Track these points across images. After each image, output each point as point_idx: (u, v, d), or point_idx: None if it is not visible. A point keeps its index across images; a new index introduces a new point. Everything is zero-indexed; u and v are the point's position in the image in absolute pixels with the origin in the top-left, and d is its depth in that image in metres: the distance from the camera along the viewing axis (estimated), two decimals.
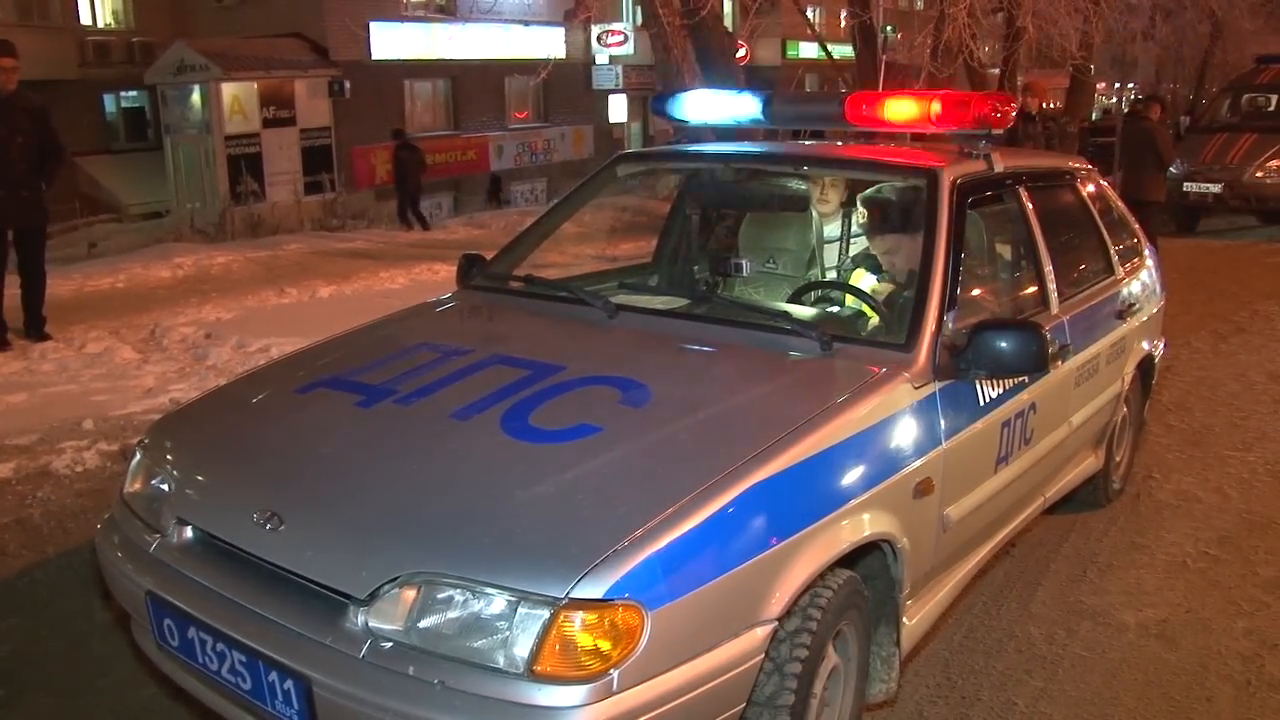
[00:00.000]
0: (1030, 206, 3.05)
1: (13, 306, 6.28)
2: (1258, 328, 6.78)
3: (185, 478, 2.18)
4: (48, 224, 6.52)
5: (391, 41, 18.54)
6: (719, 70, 9.15)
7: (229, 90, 16.59)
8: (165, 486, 2.18)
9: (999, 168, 2.90)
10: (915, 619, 2.40)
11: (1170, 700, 2.60)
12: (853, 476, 2.08)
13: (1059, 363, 2.86)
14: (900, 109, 2.81)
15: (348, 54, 17.82)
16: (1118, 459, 3.82)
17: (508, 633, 1.66)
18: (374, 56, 18.23)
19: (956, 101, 2.75)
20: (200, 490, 2.15)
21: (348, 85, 17.86)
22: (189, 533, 2.08)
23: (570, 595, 1.63)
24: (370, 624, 1.75)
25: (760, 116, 3.13)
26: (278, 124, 17.23)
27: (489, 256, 3.20)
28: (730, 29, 12.77)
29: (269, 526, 1.90)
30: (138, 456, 2.33)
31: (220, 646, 1.90)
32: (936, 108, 2.74)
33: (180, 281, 9.52)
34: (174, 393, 5.25)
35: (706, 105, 3.23)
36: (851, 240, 3.45)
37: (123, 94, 20.14)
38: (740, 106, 3.15)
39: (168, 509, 2.12)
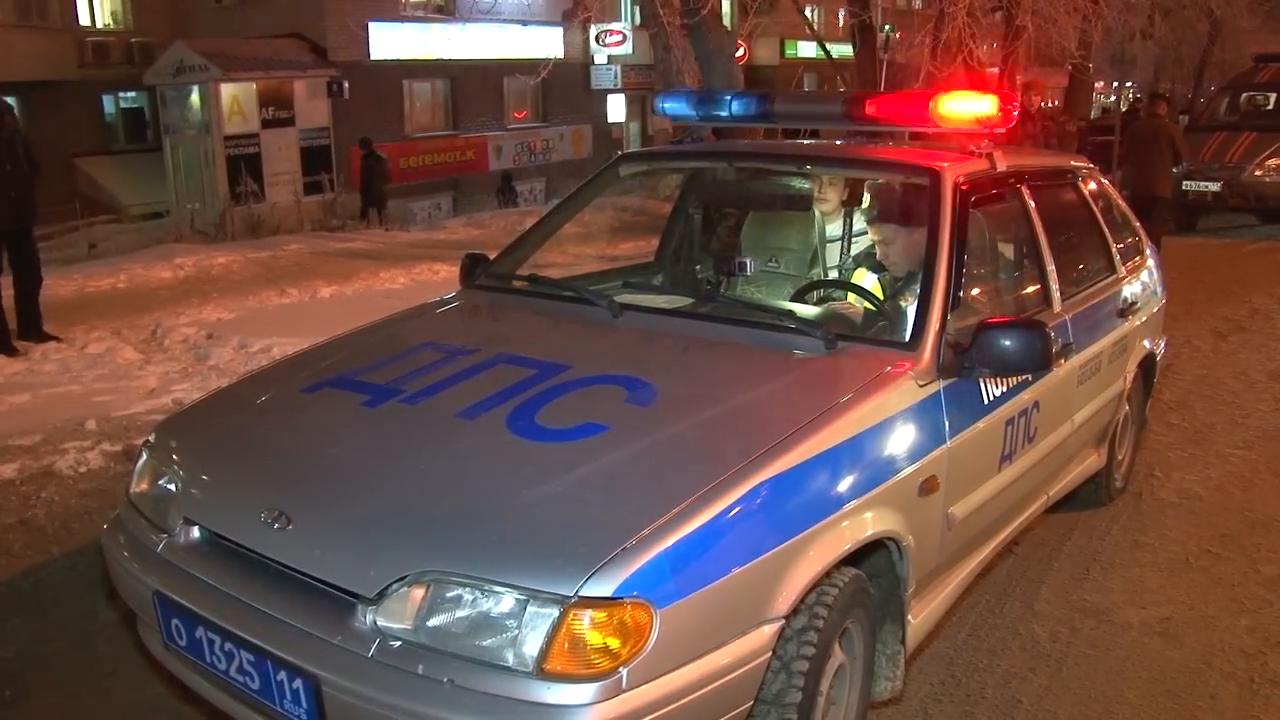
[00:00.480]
0: (1033, 205, 3.05)
1: (10, 309, 6.29)
2: (1258, 326, 6.79)
3: (192, 478, 2.18)
4: (35, 224, 6.51)
5: (390, 42, 18.53)
6: (718, 70, 9.16)
7: (228, 91, 16.59)
8: (172, 486, 2.19)
9: (1001, 166, 2.91)
10: (920, 617, 2.41)
11: (1174, 698, 2.61)
12: (858, 474, 2.08)
13: (1062, 361, 2.87)
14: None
15: (347, 54, 17.82)
16: (1120, 457, 3.82)
17: (517, 631, 1.66)
18: (373, 57, 18.23)
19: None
20: (207, 490, 2.15)
21: (347, 85, 17.85)
22: (196, 533, 2.09)
23: (579, 593, 1.63)
24: (379, 623, 1.75)
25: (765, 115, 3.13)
26: (277, 124, 17.23)
27: (492, 256, 3.20)
28: (729, 28, 12.77)
29: (276, 526, 1.91)
30: (144, 457, 2.33)
31: (228, 646, 1.90)
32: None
33: (181, 282, 9.52)
34: (176, 393, 5.25)
35: (708, 104, 3.23)
36: (853, 239, 3.46)
37: (122, 95, 20.14)
38: (747, 105, 3.15)
39: (175, 509, 2.13)
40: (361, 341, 2.79)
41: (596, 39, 22.07)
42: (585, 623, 1.64)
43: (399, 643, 1.73)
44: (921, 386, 2.30)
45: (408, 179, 19.05)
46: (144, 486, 2.27)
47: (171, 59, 16.73)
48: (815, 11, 22.46)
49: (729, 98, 3.18)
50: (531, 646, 1.65)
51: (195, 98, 16.85)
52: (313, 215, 16.42)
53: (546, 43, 18.88)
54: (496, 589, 1.69)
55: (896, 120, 2.92)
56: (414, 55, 18.94)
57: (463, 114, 20.54)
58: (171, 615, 2.01)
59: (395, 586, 1.74)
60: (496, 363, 2.39)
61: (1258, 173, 10.70)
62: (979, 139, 2.92)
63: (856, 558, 2.09)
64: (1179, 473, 4.14)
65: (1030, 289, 3.02)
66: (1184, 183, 10.74)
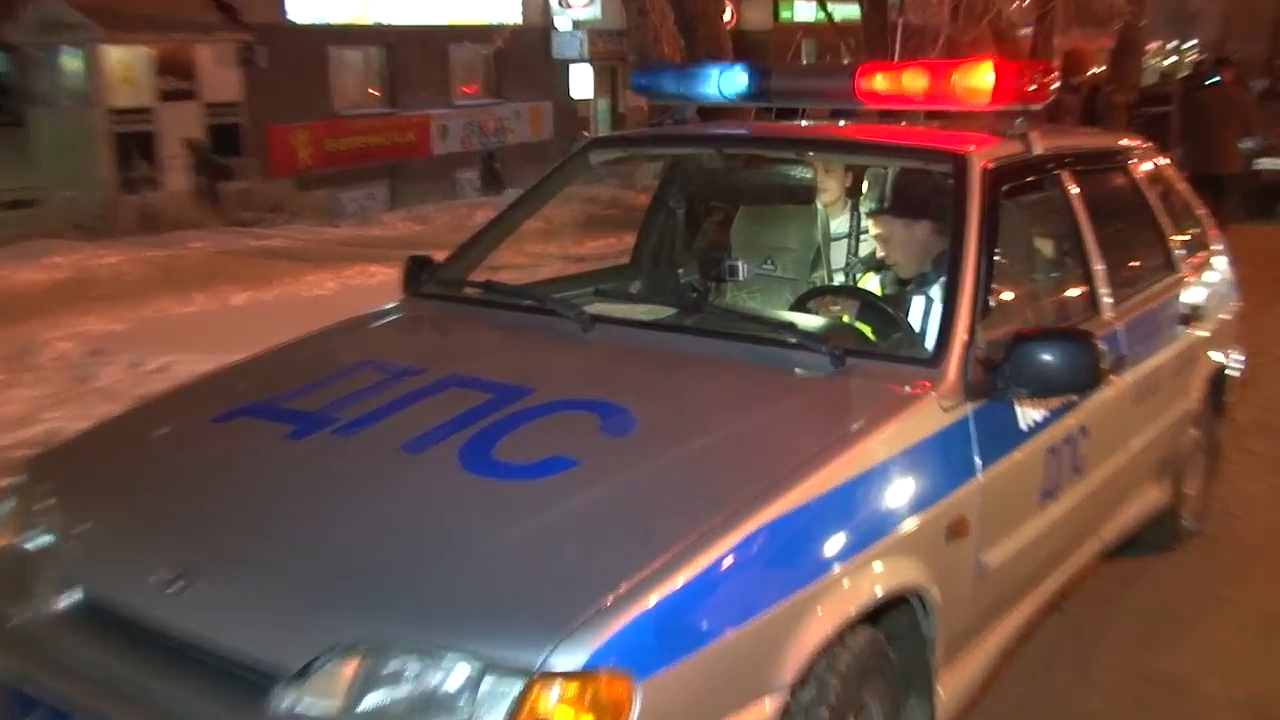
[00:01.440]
0: (1076, 194, 3.10)
1: None
2: None
3: (70, 528, 2.16)
4: None
5: (314, 1, 18.52)
6: (702, 36, 9.23)
7: (113, 55, 16.45)
8: (44, 539, 2.17)
9: (1038, 149, 2.95)
10: (951, 688, 2.42)
11: None
12: (873, 517, 2.10)
13: (1113, 378, 2.91)
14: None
15: (261, 15, 17.76)
16: (1189, 492, 3.84)
17: (470, 710, 1.66)
18: (291, 18, 18.19)
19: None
20: (90, 544, 2.14)
21: (263, 52, 17.80)
22: (71, 598, 2.05)
23: (545, 665, 1.64)
24: (299, 707, 1.73)
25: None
26: (176, 97, 17.13)
27: (440, 258, 3.21)
28: None
29: (175, 588, 1.90)
30: (12, 502, 2.32)
31: None
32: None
33: (56, 286, 9.46)
34: (51, 422, 5.22)
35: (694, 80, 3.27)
36: (861, 237, 3.49)
37: None
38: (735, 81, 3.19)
39: (49, 567, 2.11)
40: (285, 360, 2.80)
41: (559, 1, 22.15)
42: (552, 699, 1.64)
43: None
44: (946, 410, 2.33)
45: (335, 164, 18.97)
46: (8, 539, 2.24)
47: (39, 14, 16.55)
48: None
49: (716, 71, 3.22)
50: None
51: (71, 62, 16.68)
52: (223, 206, 16.35)
53: (500, 6, 18.95)
54: (445, 659, 1.69)
55: (913, 97, 2.96)
56: (342, 18, 18.91)
57: (401, 88, 20.50)
58: (29, 711, 1.98)
59: (322, 660, 1.74)
60: (446, 385, 2.41)
61: None
62: (1011, 116, 2.96)
63: (874, 616, 2.11)
64: (1266, 511, 4.14)
65: (1074, 293, 3.06)
66: (1256, 160, 10.87)
